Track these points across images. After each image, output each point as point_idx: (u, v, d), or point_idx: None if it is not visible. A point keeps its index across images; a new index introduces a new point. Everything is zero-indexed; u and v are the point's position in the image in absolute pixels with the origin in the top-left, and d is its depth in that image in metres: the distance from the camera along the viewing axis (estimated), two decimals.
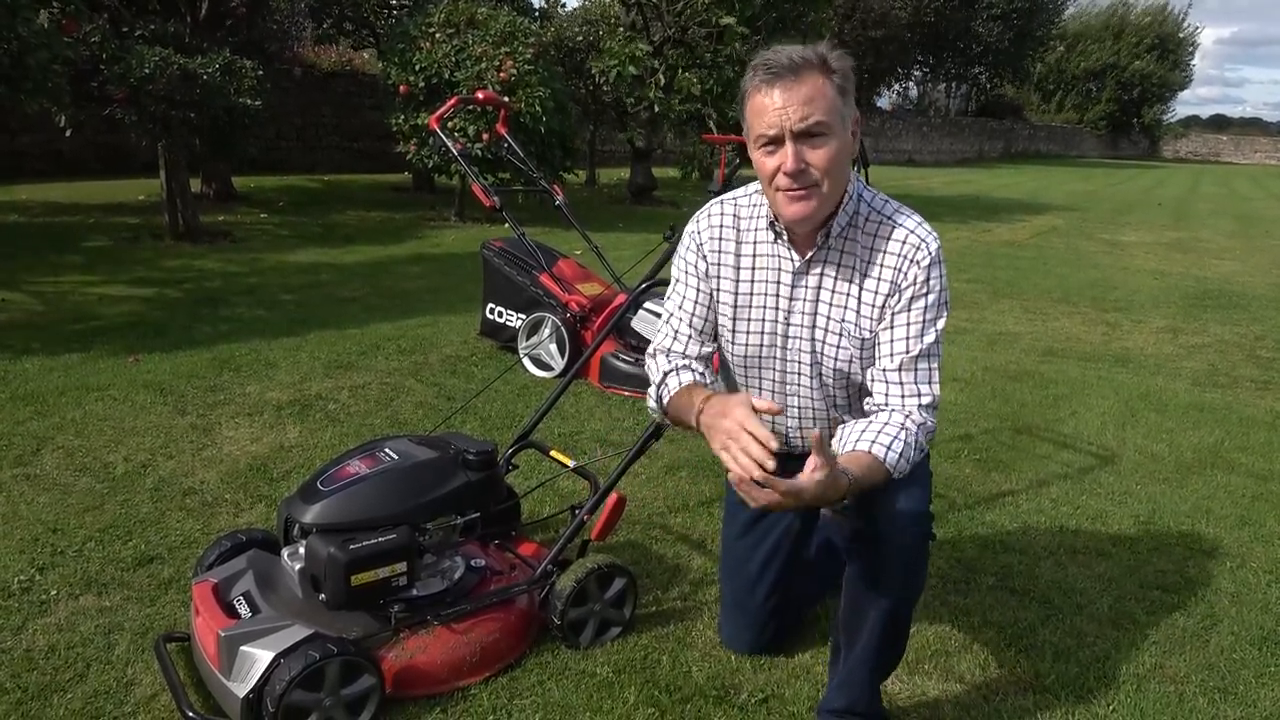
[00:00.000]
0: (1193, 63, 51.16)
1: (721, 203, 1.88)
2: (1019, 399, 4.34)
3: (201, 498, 2.83)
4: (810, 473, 1.48)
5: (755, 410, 1.52)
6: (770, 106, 1.61)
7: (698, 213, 1.90)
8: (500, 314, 4.60)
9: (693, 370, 1.86)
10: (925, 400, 1.73)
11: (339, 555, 1.85)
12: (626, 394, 4.00)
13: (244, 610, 1.93)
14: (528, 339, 4.38)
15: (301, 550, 1.96)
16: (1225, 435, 3.95)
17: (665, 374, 1.87)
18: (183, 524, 2.66)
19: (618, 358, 4.08)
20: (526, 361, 4.33)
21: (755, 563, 2.07)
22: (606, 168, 17.11)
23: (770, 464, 1.44)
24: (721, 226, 1.86)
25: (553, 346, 4.30)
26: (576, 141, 10.95)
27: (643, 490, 3.04)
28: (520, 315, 4.48)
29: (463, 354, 4.55)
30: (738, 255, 1.84)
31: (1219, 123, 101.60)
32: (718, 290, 1.87)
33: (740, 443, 1.48)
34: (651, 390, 1.90)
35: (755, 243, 1.83)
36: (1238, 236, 12.65)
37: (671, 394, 1.83)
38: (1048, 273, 8.43)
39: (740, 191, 1.87)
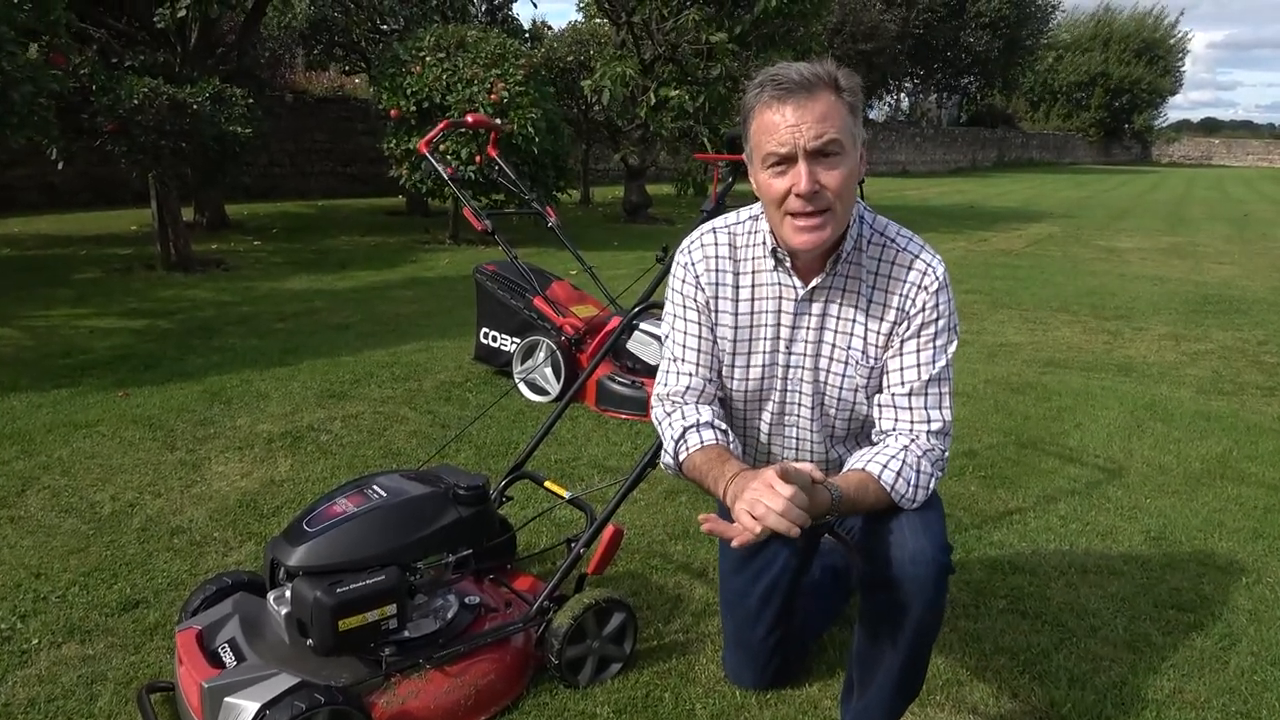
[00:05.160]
0: (1183, 68, 51.44)
1: (714, 230, 1.78)
2: (1022, 412, 4.28)
3: (189, 537, 2.76)
4: None
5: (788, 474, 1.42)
6: (782, 124, 1.52)
7: (687, 241, 1.80)
8: (494, 338, 4.55)
9: (715, 428, 1.71)
10: (935, 426, 1.67)
11: (325, 599, 1.78)
12: (624, 417, 3.94)
13: (229, 658, 1.86)
14: (522, 363, 4.32)
15: (288, 594, 1.89)
16: (1233, 444, 3.88)
17: (685, 430, 1.71)
18: (170, 565, 2.59)
19: (614, 380, 4.02)
20: (522, 386, 4.27)
21: (754, 598, 2.00)
22: (601, 186, 17.11)
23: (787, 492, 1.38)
24: (717, 257, 1.76)
25: (548, 370, 4.24)
26: (570, 161, 10.93)
27: (642, 517, 2.97)
28: (514, 339, 4.42)
29: (457, 380, 4.49)
30: (736, 286, 1.75)
31: (1210, 126, 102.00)
32: (716, 324, 1.77)
33: (765, 496, 1.40)
34: (667, 445, 1.75)
35: (754, 271, 1.74)
36: (1234, 240, 12.63)
37: (690, 453, 1.69)
38: (1046, 281, 8.39)
39: (733, 217, 1.78)
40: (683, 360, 1.78)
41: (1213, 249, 11.44)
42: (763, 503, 1.39)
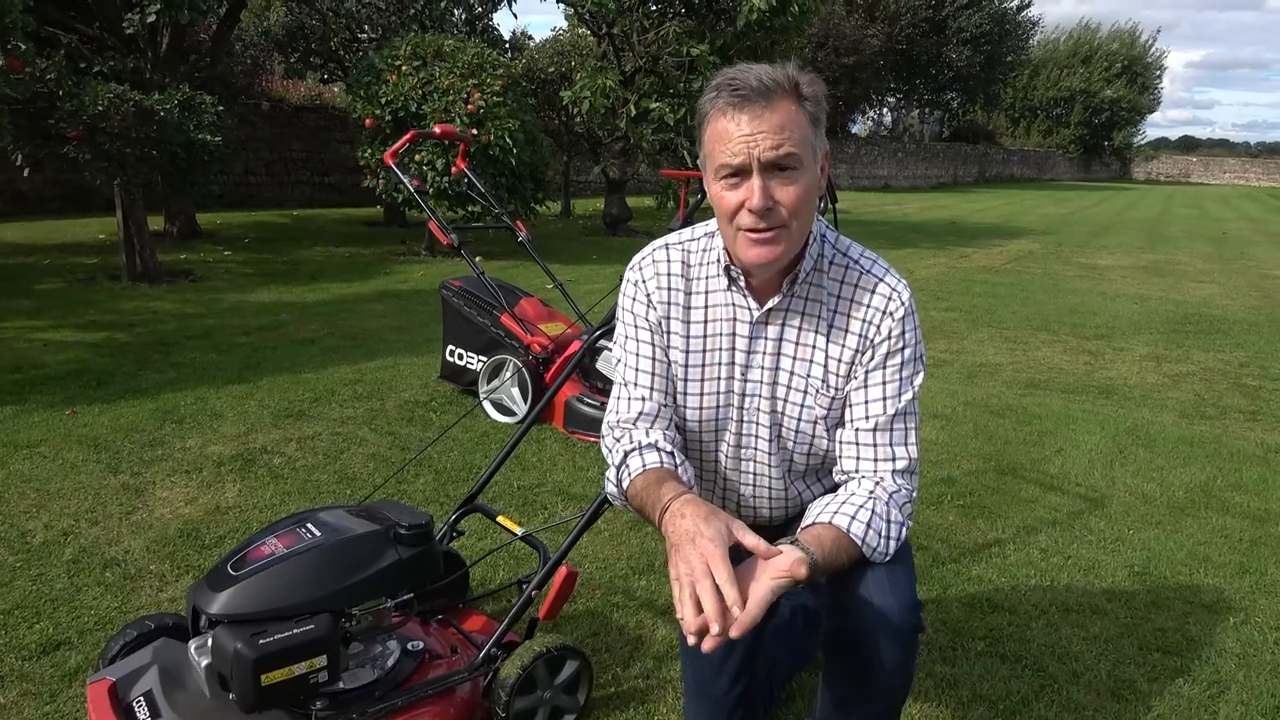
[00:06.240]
0: (1161, 86, 52.04)
1: (667, 246, 1.65)
2: (1002, 436, 4.17)
3: (124, 570, 2.60)
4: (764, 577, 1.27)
5: (737, 544, 1.26)
6: (736, 133, 1.40)
7: (638, 258, 1.65)
8: (461, 356, 4.40)
9: (659, 450, 1.55)
10: (900, 464, 1.54)
11: (246, 652, 1.63)
12: (592, 440, 3.80)
13: (143, 714, 1.71)
14: (489, 382, 4.18)
15: (209, 643, 1.74)
16: (1217, 472, 3.79)
17: (626, 454, 1.56)
18: (99, 601, 2.42)
19: (583, 401, 3.89)
20: (487, 406, 4.13)
21: None
22: (582, 198, 17.02)
23: (716, 629, 1.19)
24: (669, 275, 1.62)
25: (515, 390, 4.10)
26: (549, 173, 10.80)
27: (604, 549, 2.83)
28: (481, 357, 4.28)
29: (422, 399, 4.34)
30: (687, 307, 1.61)
31: (1188, 144, 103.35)
32: (669, 346, 1.62)
33: (699, 588, 1.22)
34: (610, 473, 1.62)
35: (707, 291, 1.60)
36: (1213, 259, 12.64)
37: (632, 478, 1.53)
38: (1026, 299, 8.32)
39: (688, 233, 1.65)
40: (635, 385, 1.63)
41: (1192, 268, 11.43)
42: (691, 595, 1.22)
